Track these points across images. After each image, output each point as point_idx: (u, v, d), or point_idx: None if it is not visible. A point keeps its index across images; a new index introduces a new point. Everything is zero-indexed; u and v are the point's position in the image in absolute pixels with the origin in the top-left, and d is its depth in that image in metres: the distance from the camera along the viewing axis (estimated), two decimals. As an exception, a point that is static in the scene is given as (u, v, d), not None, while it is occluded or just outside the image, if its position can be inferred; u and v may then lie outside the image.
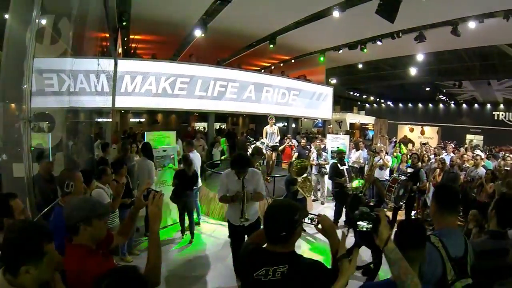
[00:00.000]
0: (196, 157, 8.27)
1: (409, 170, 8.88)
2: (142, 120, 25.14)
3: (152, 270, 2.27)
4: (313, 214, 2.38)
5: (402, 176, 7.96)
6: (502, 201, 2.98)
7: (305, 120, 26.08)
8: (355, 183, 7.03)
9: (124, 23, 12.65)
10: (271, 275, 2.03)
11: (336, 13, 11.80)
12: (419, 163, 9.17)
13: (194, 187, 7.75)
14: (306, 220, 2.34)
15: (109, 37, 10.18)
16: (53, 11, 4.94)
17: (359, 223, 2.00)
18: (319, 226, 2.27)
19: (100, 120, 11.49)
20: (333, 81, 26.56)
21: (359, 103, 40.52)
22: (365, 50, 16.14)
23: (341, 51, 17.48)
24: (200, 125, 25.58)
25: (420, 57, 18.74)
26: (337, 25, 13.11)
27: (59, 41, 5.64)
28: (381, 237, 1.89)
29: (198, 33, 13.93)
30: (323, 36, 15.87)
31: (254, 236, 2.53)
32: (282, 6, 12.28)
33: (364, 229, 1.97)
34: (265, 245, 2.22)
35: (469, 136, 31.92)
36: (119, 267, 1.99)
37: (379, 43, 15.13)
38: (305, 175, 7.36)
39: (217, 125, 26.07)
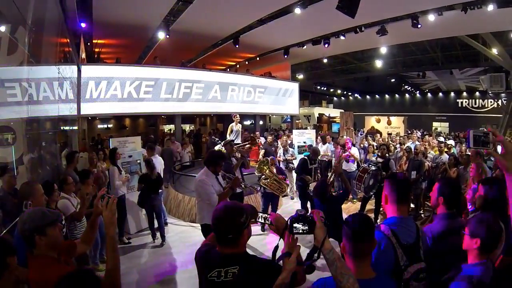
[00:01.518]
0: (158, 161, 8.27)
1: (380, 160, 8.88)
2: (110, 126, 24.68)
3: (111, 272, 2.32)
4: (266, 214, 2.42)
5: (373, 167, 7.97)
6: (446, 185, 3.07)
7: (274, 116, 26.24)
8: None
9: (86, 28, 12.42)
10: (223, 276, 2.08)
11: (298, 10, 12.05)
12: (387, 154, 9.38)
13: (160, 190, 7.76)
14: (260, 219, 2.39)
15: (71, 42, 9.96)
16: (7, 17, 4.80)
17: (295, 225, 2.04)
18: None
19: (66, 128, 11.26)
20: (300, 76, 26.79)
21: (327, 96, 40.92)
22: (326, 46, 16.37)
23: (305, 47, 17.67)
24: (168, 128, 25.34)
25: (384, 50, 19.14)
26: (300, 21, 13.28)
27: (19, 49, 5.50)
28: (317, 239, 1.97)
29: (161, 35, 13.88)
30: (286, 33, 15.99)
31: (209, 237, 2.57)
32: (245, 5, 12.35)
33: (300, 231, 2.03)
34: None
35: (435, 124, 32.90)
36: (74, 271, 2.03)
37: (342, 37, 15.40)
38: (267, 171, 7.62)
39: (186, 126, 25.95)
